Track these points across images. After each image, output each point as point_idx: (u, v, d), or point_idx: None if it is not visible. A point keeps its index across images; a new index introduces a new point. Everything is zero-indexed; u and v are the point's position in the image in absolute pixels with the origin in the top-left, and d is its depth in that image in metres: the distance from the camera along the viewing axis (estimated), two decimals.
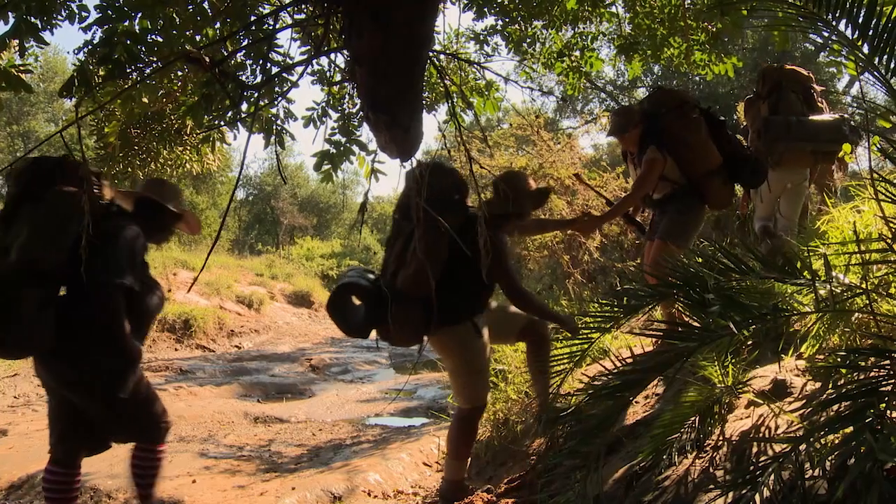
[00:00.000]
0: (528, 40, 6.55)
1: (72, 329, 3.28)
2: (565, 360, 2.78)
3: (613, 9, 6.40)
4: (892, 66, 2.09)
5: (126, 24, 3.52)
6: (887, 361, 1.79)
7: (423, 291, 3.35)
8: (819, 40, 2.39)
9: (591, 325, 2.71)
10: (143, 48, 3.61)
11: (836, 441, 1.73)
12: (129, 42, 3.45)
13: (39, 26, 3.61)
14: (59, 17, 3.79)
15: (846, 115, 5.69)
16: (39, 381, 3.67)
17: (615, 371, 2.31)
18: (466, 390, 3.93)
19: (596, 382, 2.53)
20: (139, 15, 3.56)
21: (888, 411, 1.60)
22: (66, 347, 3.28)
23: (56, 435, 3.55)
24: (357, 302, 3.85)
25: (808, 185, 5.84)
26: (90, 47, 3.55)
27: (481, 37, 6.65)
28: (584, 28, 6.54)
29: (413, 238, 3.56)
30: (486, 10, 6.27)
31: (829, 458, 1.81)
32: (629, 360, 2.34)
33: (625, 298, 2.63)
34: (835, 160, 5.77)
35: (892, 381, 1.65)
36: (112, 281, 3.27)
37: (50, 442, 3.57)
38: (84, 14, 3.75)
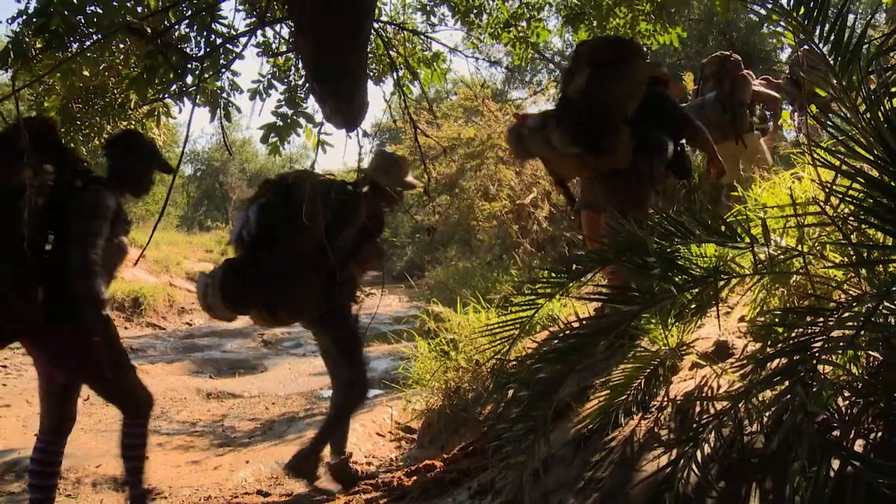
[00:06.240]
0: (475, 11, 6.54)
1: None
2: (513, 327, 2.81)
3: None
4: (825, 34, 2.13)
5: None
6: (820, 320, 1.86)
7: None
8: (763, 11, 2.43)
9: (539, 291, 2.74)
10: (83, 19, 3.52)
11: (773, 397, 1.79)
12: (66, 12, 3.35)
13: None
14: None
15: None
16: None
17: (561, 335, 2.35)
18: None
19: (544, 348, 2.57)
20: None
21: (819, 366, 1.67)
22: None
23: None
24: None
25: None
26: (25, 17, 3.44)
27: (428, 7, 6.61)
28: None
29: None
30: None
31: (766, 414, 1.88)
32: (575, 325, 2.38)
33: (573, 265, 2.66)
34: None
35: (823, 337, 1.72)
36: None
37: None
38: None
